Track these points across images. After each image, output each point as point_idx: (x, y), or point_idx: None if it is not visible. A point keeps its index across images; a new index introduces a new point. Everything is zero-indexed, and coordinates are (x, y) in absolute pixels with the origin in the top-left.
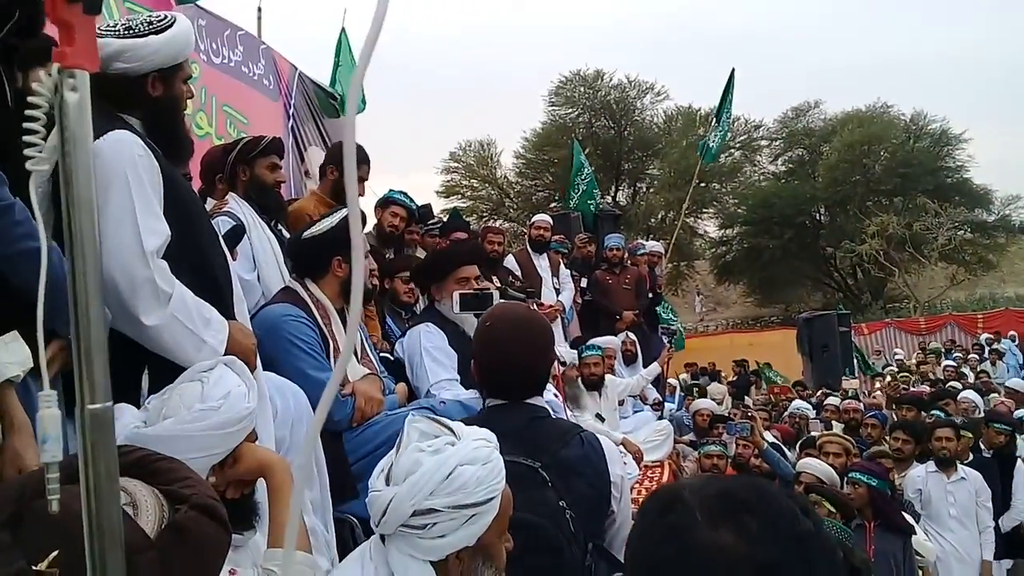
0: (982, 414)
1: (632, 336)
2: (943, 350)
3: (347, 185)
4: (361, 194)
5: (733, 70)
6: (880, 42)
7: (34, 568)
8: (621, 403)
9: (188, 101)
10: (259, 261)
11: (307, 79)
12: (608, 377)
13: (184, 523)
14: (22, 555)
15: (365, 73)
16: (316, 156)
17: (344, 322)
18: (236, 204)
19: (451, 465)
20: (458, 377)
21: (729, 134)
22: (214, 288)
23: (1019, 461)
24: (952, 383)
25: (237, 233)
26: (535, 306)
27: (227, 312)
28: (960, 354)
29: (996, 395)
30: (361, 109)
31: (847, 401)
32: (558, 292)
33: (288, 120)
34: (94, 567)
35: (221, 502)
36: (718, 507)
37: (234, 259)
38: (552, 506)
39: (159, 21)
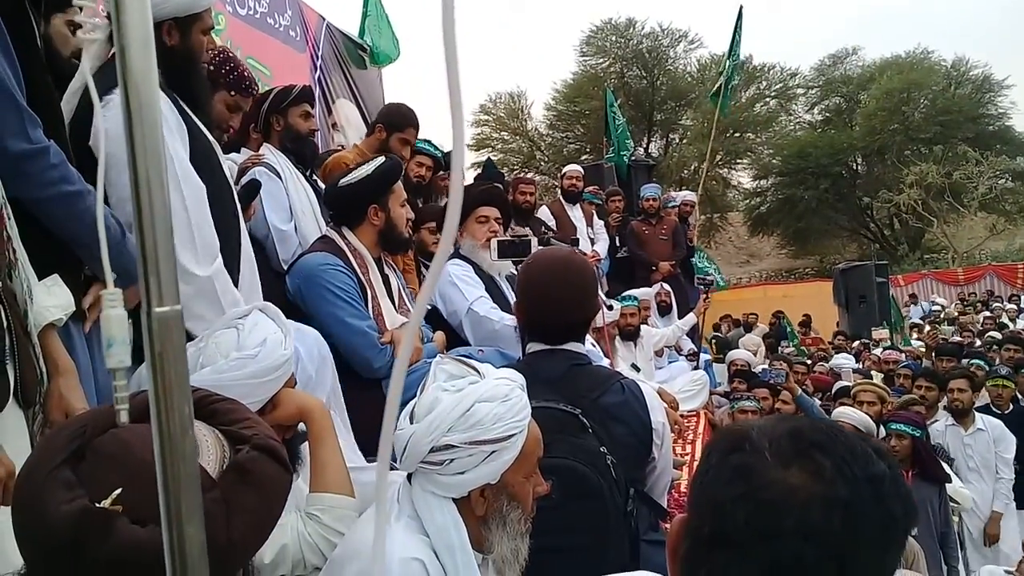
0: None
1: (667, 287)
2: (980, 301)
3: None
4: (403, 156)
5: (741, 7)
6: None
7: (97, 505)
8: (659, 354)
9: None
10: (296, 211)
11: (335, 30)
12: (644, 328)
13: (246, 463)
14: (85, 492)
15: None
16: (344, 108)
17: (381, 270)
18: (272, 155)
19: (469, 402)
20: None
21: (737, 79)
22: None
23: None
24: (991, 333)
25: (252, 189)
26: None
27: (233, 267)
28: (999, 305)
29: None
30: (394, 58)
31: (887, 352)
32: (592, 242)
33: (315, 72)
34: (167, 486)
35: (282, 443)
36: (789, 446)
37: (247, 218)
38: (592, 451)
39: None
